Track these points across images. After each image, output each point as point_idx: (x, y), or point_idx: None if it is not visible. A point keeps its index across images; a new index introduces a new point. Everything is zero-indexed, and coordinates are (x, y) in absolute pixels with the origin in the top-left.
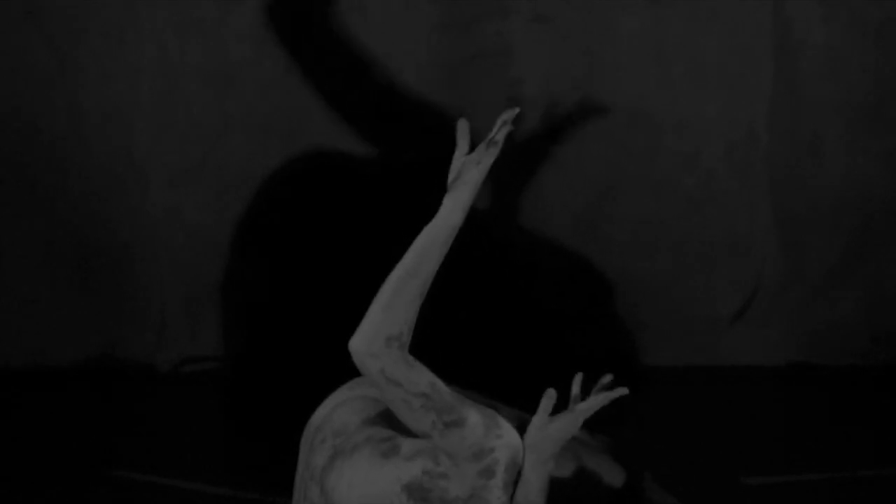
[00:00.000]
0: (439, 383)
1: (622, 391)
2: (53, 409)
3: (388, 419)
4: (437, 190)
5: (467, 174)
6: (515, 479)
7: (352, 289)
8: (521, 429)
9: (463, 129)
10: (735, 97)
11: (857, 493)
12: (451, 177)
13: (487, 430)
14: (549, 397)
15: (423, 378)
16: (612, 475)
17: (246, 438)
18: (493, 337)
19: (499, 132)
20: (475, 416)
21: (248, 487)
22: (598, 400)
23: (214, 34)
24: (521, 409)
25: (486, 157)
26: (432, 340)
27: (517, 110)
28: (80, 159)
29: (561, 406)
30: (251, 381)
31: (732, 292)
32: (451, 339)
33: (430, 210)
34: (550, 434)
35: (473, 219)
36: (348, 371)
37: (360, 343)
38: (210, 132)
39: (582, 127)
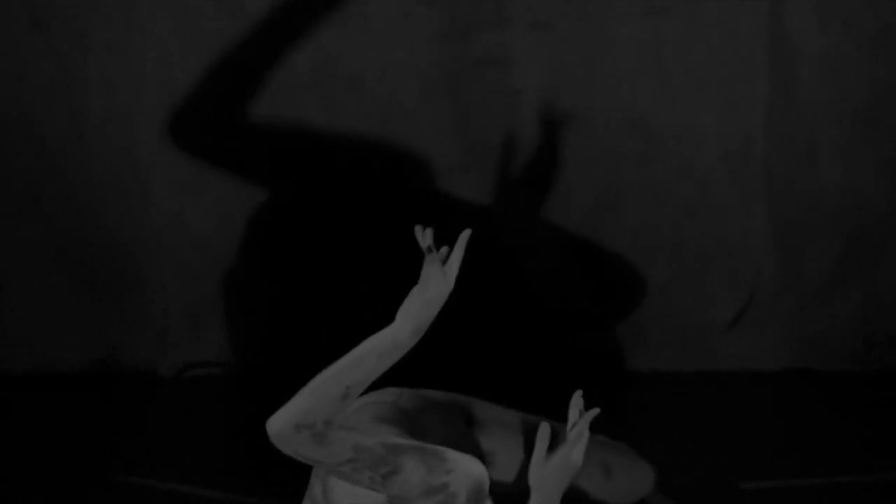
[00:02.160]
0: (365, 441)
1: (594, 411)
2: (56, 412)
3: (399, 429)
4: (436, 195)
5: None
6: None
7: (353, 294)
8: (516, 428)
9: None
10: (732, 105)
11: (854, 497)
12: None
13: (431, 469)
14: (544, 436)
15: (343, 446)
16: (643, 472)
17: (248, 443)
18: (492, 339)
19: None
20: (411, 460)
21: (249, 492)
22: (580, 426)
23: (217, 44)
24: (515, 412)
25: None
26: (433, 342)
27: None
28: (83, 166)
29: (561, 405)
30: (253, 387)
31: (729, 297)
32: (451, 341)
33: (429, 214)
34: (550, 472)
35: (472, 223)
36: None
37: (273, 425)
38: (212, 139)
39: (580, 134)
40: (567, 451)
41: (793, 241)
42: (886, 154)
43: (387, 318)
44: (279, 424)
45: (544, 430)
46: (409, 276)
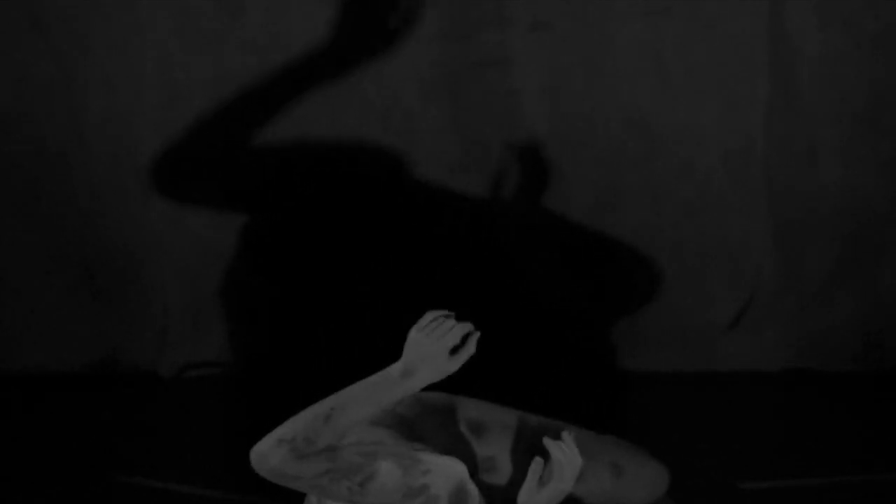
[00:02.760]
0: (340, 451)
1: (574, 446)
2: (56, 413)
3: (396, 433)
4: (436, 195)
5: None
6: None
7: (353, 295)
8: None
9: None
10: (732, 105)
11: (854, 497)
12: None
13: (407, 470)
14: (535, 469)
15: (319, 458)
16: (657, 474)
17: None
18: (491, 339)
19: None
20: (386, 464)
21: (249, 492)
22: (565, 456)
23: (217, 44)
24: (518, 413)
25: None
26: None
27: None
28: (83, 166)
29: (560, 406)
30: (253, 387)
31: (729, 298)
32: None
33: (428, 217)
34: (539, 501)
35: (472, 223)
36: (350, 377)
37: (256, 446)
38: (212, 139)
39: (580, 134)
40: (556, 484)
41: (793, 241)
42: (886, 154)
43: (385, 317)
44: (262, 443)
45: (536, 465)
46: (407, 275)
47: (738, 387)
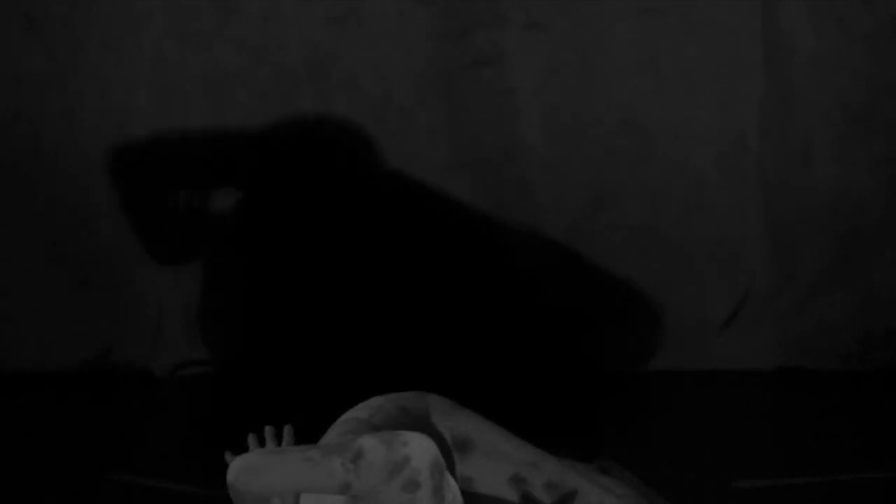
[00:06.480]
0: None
1: None
2: (50, 412)
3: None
4: (431, 194)
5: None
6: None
7: (348, 295)
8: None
9: None
10: (726, 104)
11: (847, 497)
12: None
13: (389, 444)
14: None
15: (302, 448)
16: None
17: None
18: (486, 340)
19: None
20: (369, 439)
21: None
22: None
23: (212, 43)
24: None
25: None
26: (429, 345)
27: None
28: (77, 166)
29: (556, 406)
30: (247, 386)
31: (723, 297)
32: (446, 342)
33: (425, 216)
34: None
35: (466, 222)
36: (344, 375)
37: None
38: (206, 138)
39: (575, 133)
40: None
41: (787, 240)
42: (880, 152)
43: (380, 316)
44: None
45: None
46: (402, 274)
47: (732, 385)
